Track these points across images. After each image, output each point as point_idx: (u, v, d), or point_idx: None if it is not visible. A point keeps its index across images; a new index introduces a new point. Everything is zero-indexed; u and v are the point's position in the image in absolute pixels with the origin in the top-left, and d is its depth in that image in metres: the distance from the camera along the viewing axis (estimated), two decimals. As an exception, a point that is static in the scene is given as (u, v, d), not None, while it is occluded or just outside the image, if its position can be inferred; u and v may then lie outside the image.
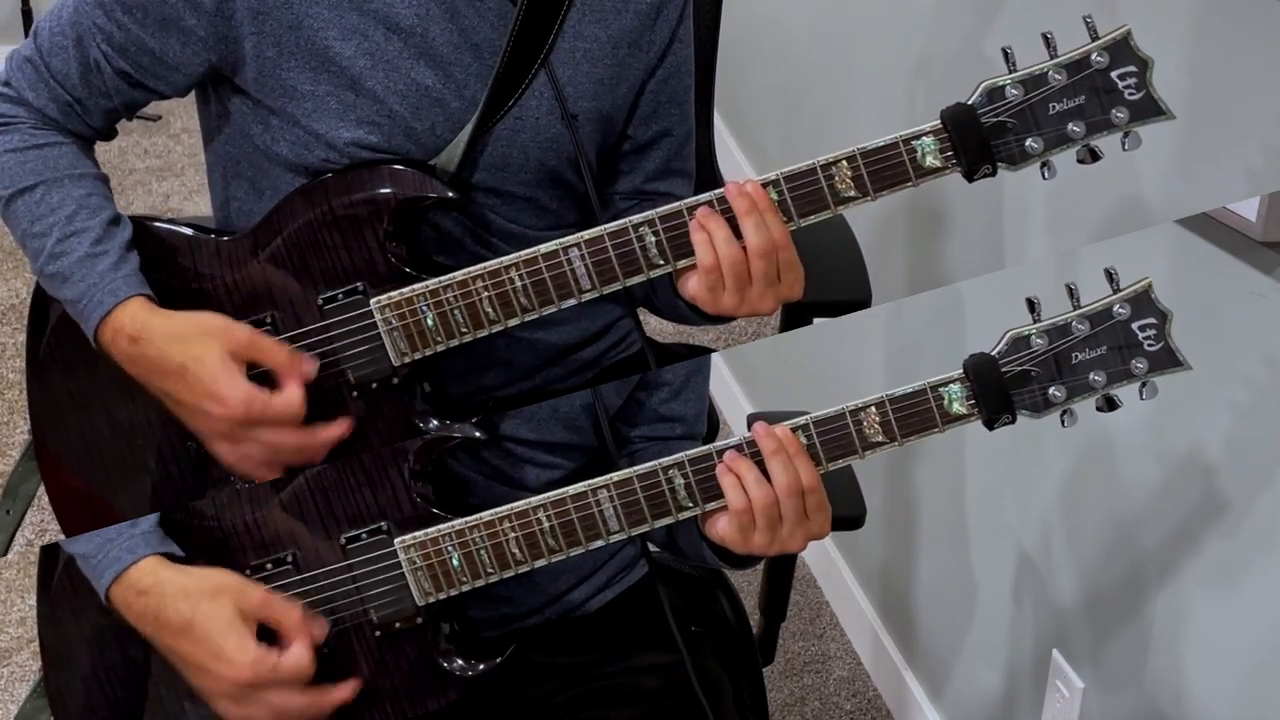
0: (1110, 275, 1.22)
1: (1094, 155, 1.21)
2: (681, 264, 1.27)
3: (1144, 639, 1.73)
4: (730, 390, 3.09)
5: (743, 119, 3.37)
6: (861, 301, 1.76)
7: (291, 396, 1.30)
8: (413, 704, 1.36)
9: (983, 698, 2.16)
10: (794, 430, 1.27)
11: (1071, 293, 1.22)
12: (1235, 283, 1.50)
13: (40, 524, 2.72)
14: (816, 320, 1.79)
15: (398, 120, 1.32)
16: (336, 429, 1.32)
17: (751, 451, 1.27)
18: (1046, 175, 1.22)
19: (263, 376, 1.31)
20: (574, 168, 1.38)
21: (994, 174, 1.22)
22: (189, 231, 1.38)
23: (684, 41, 1.44)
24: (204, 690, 1.32)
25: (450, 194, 1.32)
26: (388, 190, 1.32)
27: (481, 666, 1.36)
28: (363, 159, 1.32)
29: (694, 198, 1.26)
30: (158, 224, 1.38)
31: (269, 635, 1.32)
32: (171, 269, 1.36)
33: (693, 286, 1.27)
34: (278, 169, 1.36)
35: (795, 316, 1.76)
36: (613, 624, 1.49)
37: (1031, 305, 1.23)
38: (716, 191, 1.25)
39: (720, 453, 1.28)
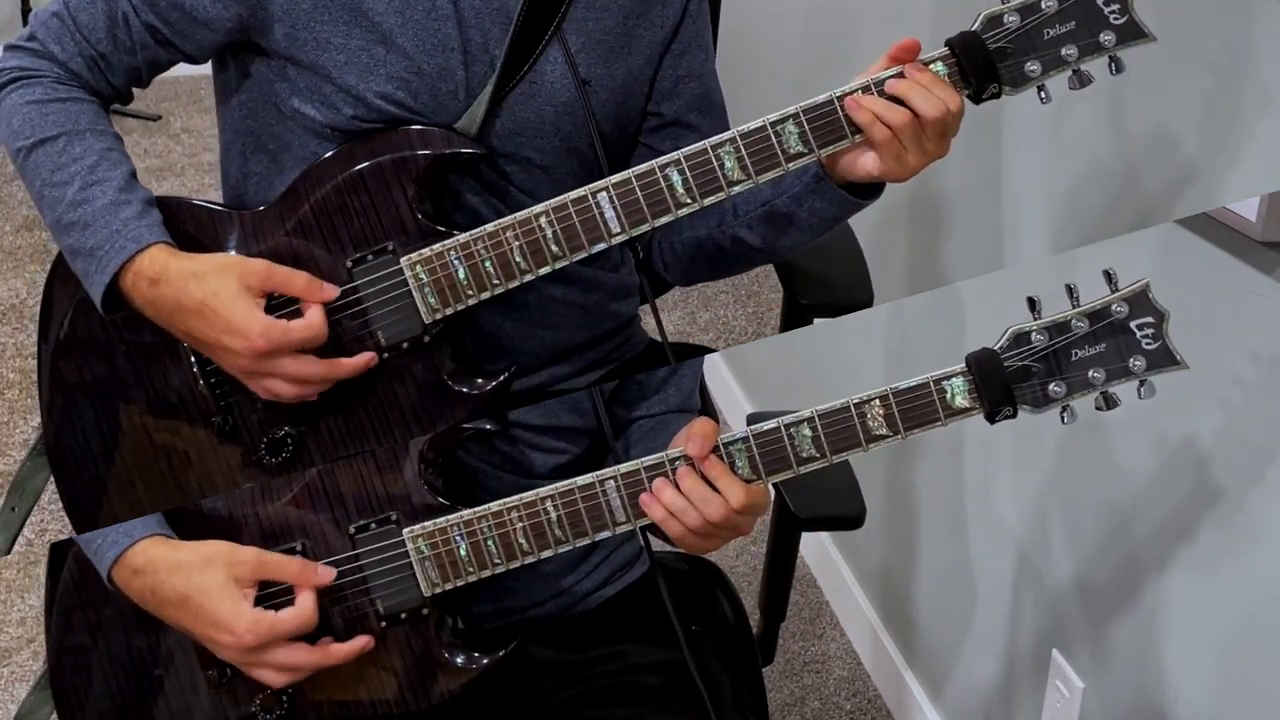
0: (1109, 276, 1.24)
1: (1083, 80, 1.28)
2: (708, 201, 1.30)
3: (1144, 639, 1.73)
4: (730, 390, 3.09)
5: (742, 117, 3.37)
6: (863, 304, 1.76)
7: (312, 320, 1.31)
8: (415, 695, 1.36)
9: (983, 697, 2.16)
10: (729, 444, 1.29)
11: (1071, 292, 1.24)
12: (1235, 283, 1.50)
13: (40, 524, 2.72)
14: (816, 320, 1.79)
15: (425, 79, 1.33)
16: (361, 359, 1.33)
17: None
18: (1043, 99, 1.28)
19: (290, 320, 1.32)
20: (589, 137, 1.39)
21: (999, 95, 1.28)
22: (214, 206, 1.39)
23: (695, 16, 1.46)
24: (220, 657, 1.34)
25: (477, 149, 1.33)
26: (417, 149, 1.33)
27: (485, 660, 1.36)
28: (391, 115, 1.34)
29: (713, 137, 1.29)
30: (182, 201, 1.38)
31: (281, 596, 1.33)
32: (198, 246, 1.36)
33: (869, 162, 1.31)
34: (303, 135, 1.37)
35: (795, 316, 1.76)
36: (613, 621, 1.50)
37: (1032, 303, 1.25)
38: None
39: (726, 444, 1.29)
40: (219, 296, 1.29)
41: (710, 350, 1.58)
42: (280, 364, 1.30)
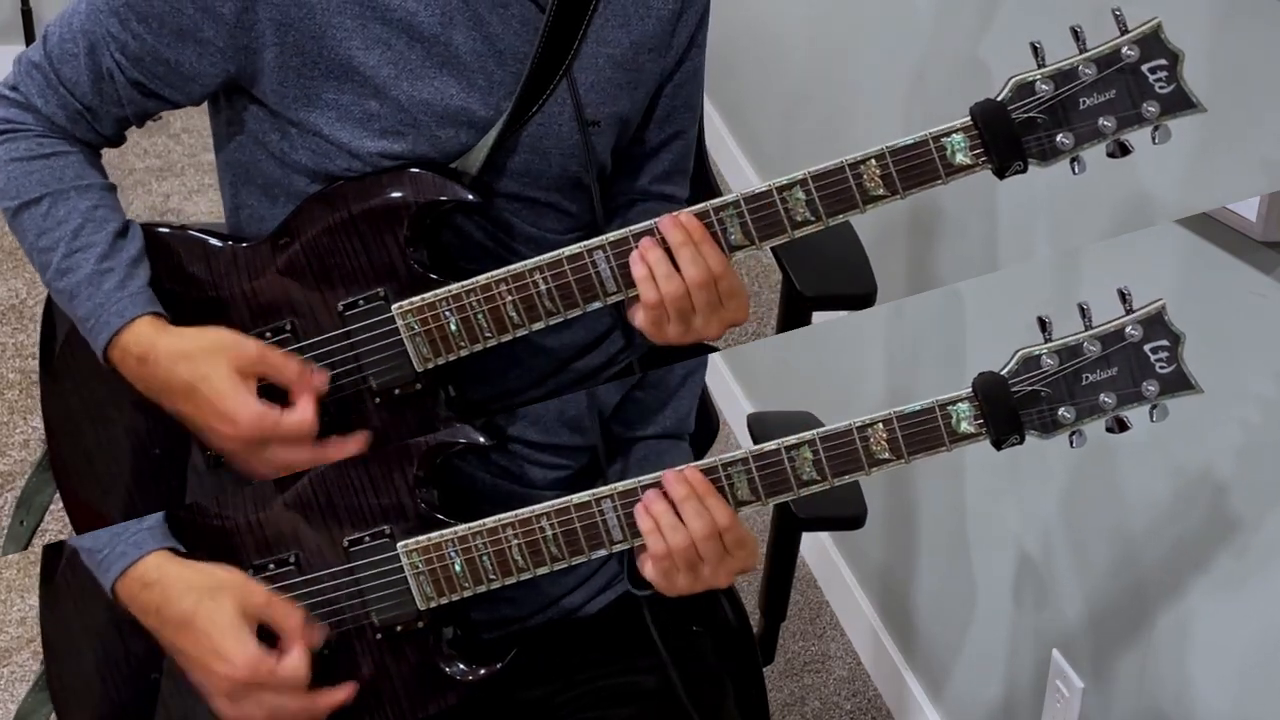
0: (1123, 295, 1.20)
1: (1124, 149, 1.19)
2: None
3: (1144, 639, 1.73)
4: (730, 390, 3.09)
5: (743, 119, 3.38)
6: (867, 295, 1.74)
7: (303, 414, 1.29)
8: (413, 707, 1.36)
9: (983, 698, 2.16)
10: (720, 466, 1.26)
11: (1083, 312, 1.20)
12: (1236, 283, 1.50)
13: (40, 525, 2.72)
14: (816, 320, 1.79)
15: (422, 129, 1.31)
16: (353, 444, 1.32)
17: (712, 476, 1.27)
18: (1076, 170, 1.20)
19: (276, 392, 1.30)
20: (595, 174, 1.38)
21: (1025, 170, 1.20)
22: (204, 238, 1.37)
23: (701, 46, 1.44)
24: (201, 686, 1.32)
25: (470, 197, 1.30)
26: (407, 194, 1.30)
27: (482, 671, 1.36)
28: (385, 169, 1.31)
29: (718, 199, 1.24)
30: (173, 232, 1.37)
31: (268, 637, 1.32)
32: (187, 278, 1.35)
33: (639, 319, 1.27)
34: (293, 175, 1.34)
35: (795, 315, 1.76)
36: (612, 626, 1.49)
37: (1043, 324, 1.21)
38: (651, 222, 1.25)
39: (725, 466, 1.27)
40: (209, 381, 1.28)
41: (713, 349, 1.57)
42: (269, 451, 1.29)
